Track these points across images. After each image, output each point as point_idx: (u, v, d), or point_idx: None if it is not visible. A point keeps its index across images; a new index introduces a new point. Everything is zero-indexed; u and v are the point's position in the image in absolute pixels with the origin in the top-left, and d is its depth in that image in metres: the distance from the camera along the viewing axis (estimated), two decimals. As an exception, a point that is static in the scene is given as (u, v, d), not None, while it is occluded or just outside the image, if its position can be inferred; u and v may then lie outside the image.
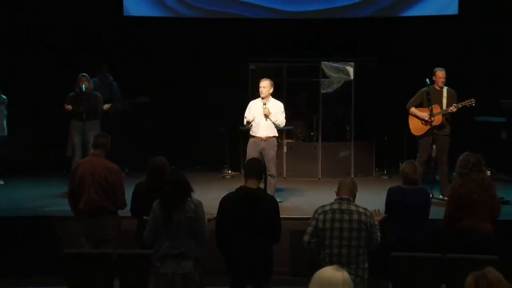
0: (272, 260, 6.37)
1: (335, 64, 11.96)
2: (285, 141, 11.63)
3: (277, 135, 9.44)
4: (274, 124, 9.28)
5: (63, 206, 8.02)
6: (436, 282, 6.56)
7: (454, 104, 9.45)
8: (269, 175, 9.20)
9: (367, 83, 11.82)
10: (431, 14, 12.19)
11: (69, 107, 10.07)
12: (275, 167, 9.31)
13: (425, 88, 9.59)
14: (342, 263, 5.68)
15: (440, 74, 9.58)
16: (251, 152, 9.20)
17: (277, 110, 9.30)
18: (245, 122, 9.40)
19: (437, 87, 9.59)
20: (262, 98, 9.29)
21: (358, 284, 5.78)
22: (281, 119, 9.32)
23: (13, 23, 11.94)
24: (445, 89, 9.61)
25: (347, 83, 11.86)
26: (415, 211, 6.89)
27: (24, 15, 11.93)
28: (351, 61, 11.79)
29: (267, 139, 9.26)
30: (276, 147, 9.45)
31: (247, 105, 9.50)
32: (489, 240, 6.73)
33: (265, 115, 9.17)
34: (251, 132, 9.36)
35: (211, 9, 12.37)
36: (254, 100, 9.45)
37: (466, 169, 6.86)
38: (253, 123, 9.27)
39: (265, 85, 9.28)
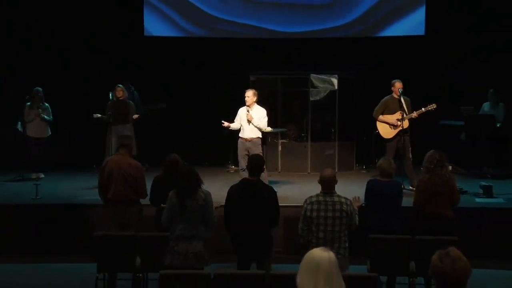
0: (272, 241, 6.39)
1: (322, 76, 11.91)
2: (280, 141, 11.60)
3: (260, 136, 9.34)
4: (256, 127, 9.23)
5: (93, 196, 8.02)
6: (406, 260, 6.56)
7: (416, 111, 9.41)
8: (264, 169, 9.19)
9: (349, 92, 11.78)
10: (401, 35, 12.17)
11: (97, 115, 10.23)
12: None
13: (386, 98, 9.60)
14: (326, 244, 5.71)
15: (397, 85, 9.49)
16: (240, 151, 9.28)
17: (260, 115, 9.26)
18: (225, 125, 9.34)
19: (395, 96, 9.51)
20: (248, 106, 9.25)
21: (340, 261, 5.74)
22: (262, 124, 9.27)
23: (53, 45, 11.96)
24: (402, 97, 9.52)
25: (332, 92, 11.82)
26: (390, 200, 6.88)
27: (65, 37, 11.98)
28: (335, 74, 11.75)
29: (251, 139, 9.22)
30: (260, 146, 9.36)
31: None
32: (451, 224, 6.75)
33: (248, 121, 9.19)
34: (239, 134, 9.34)
35: (217, 28, 12.37)
36: (242, 108, 9.37)
37: (432, 165, 6.86)
38: (241, 125, 9.24)
39: (249, 95, 9.26)
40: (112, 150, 10.10)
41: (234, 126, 9.36)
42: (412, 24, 12.16)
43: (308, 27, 12.29)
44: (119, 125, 10.31)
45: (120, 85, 10.47)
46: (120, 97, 10.42)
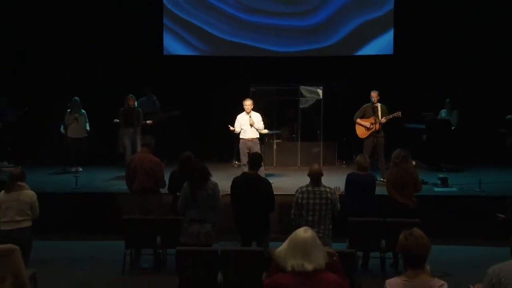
0: (269, 223, 6.39)
1: (309, 88, 11.87)
2: (275, 141, 11.55)
3: (258, 136, 9.32)
4: (257, 130, 9.22)
5: (122, 186, 8.00)
6: (378, 238, 6.60)
7: (385, 116, 9.40)
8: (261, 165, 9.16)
9: (332, 101, 11.73)
10: (373, 54, 12.14)
11: (116, 120, 10.25)
12: None
13: (365, 105, 9.58)
14: (314, 226, 5.72)
15: (374, 94, 9.48)
16: (242, 149, 9.19)
17: (257, 119, 9.24)
18: (236, 128, 9.27)
19: (374, 104, 9.48)
20: (247, 113, 9.21)
21: (325, 239, 5.81)
22: (260, 126, 9.26)
23: (89, 62, 11.94)
24: (379, 105, 9.51)
25: (318, 101, 11.76)
26: (365, 189, 6.90)
27: (99, 56, 11.96)
28: (320, 86, 11.70)
29: (252, 139, 9.19)
30: (259, 144, 9.34)
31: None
32: (414, 209, 6.78)
33: (250, 124, 9.15)
34: (240, 136, 9.27)
35: (223, 48, 12.33)
36: (240, 114, 9.29)
37: (398, 160, 6.88)
38: (241, 129, 9.19)
39: (249, 104, 9.22)
40: (126, 150, 10.20)
41: (236, 130, 9.33)
42: (382, 45, 12.13)
43: (298, 47, 12.26)
44: (130, 128, 10.28)
45: (131, 95, 10.37)
46: (131, 104, 10.36)
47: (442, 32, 11.78)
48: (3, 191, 6.15)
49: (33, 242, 6.23)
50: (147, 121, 10.58)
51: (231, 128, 9.30)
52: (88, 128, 10.77)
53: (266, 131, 9.65)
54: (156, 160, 7.23)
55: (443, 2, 11.66)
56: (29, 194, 6.17)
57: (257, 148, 9.10)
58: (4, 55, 12.09)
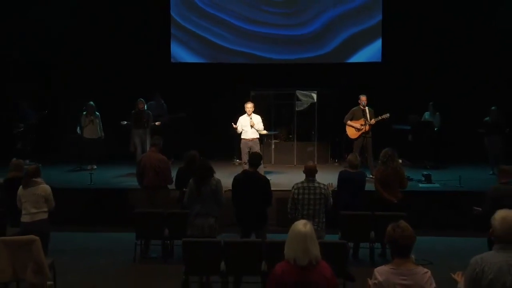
0: (267, 217, 6.35)
1: (304, 92, 11.83)
2: (273, 141, 11.53)
3: (258, 137, 9.28)
4: (257, 130, 9.18)
5: (133, 182, 8.00)
6: (368, 230, 6.63)
7: (374, 118, 9.40)
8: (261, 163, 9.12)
9: (325, 104, 11.67)
10: (363, 61, 12.11)
11: (123, 122, 10.25)
12: None
13: (354, 108, 9.56)
14: (309, 219, 5.70)
15: (363, 98, 9.46)
16: (243, 149, 9.12)
17: (258, 121, 9.20)
18: (237, 128, 9.23)
19: (361, 107, 9.48)
20: (248, 115, 9.17)
21: (319, 231, 5.78)
22: (260, 127, 9.22)
23: (103, 69, 11.93)
24: (367, 108, 9.49)
25: (312, 104, 11.72)
26: (356, 185, 6.89)
27: (112, 62, 11.95)
28: (315, 90, 11.66)
29: (253, 140, 9.14)
30: (258, 144, 9.29)
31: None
32: (400, 203, 6.76)
33: (251, 126, 9.12)
34: (242, 136, 9.22)
35: (226, 56, 12.33)
36: (242, 116, 9.24)
37: (385, 158, 6.89)
38: (242, 129, 9.15)
39: (250, 106, 9.19)
40: (137, 149, 10.17)
41: (238, 130, 9.30)
42: (371, 53, 12.11)
43: (294, 55, 12.23)
44: (140, 129, 10.26)
45: (141, 99, 10.36)
46: (141, 108, 10.34)
47: (426, 41, 11.78)
48: (21, 187, 6.16)
49: (51, 233, 6.24)
50: (156, 123, 10.56)
51: (234, 126, 9.26)
52: (101, 129, 10.76)
53: (265, 132, 9.61)
54: (163, 159, 7.22)
55: (427, 14, 11.64)
56: (44, 188, 6.18)
57: (257, 148, 9.07)
58: (25, 62, 12.11)
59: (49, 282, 5.32)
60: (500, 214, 3.23)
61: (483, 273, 3.16)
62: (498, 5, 11.61)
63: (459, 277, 3.45)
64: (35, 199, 6.08)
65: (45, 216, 6.15)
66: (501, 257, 3.17)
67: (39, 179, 6.24)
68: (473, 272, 3.19)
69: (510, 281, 3.11)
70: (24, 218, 6.08)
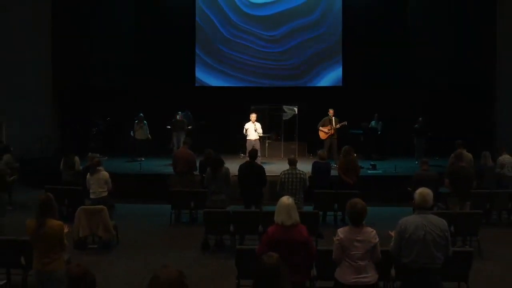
0: (262, 194, 6.30)
1: (289, 107, 11.65)
2: (267, 141, 11.39)
3: (258, 138, 9.27)
4: (258, 133, 9.18)
5: (170, 170, 7.91)
6: (333, 203, 6.60)
7: (338, 124, 9.40)
8: (258, 156, 9.06)
9: (303, 115, 11.45)
10: (327, 85, 12.02)
11: (168, 126, 10.30)
12: (259, 152, 9.07)
13: (324, 118, 9.54)
14: (292, 195, 5.62)
15: (331, 111, 9.49)
16: (248, 146, 8.96)
17: (259, 127, 9.21)
18: (244, 132, 9.24)
19: (330, 117, 9.49)
20: (252, 122, 9.18)
21: (299, 204, 5.70)
22: (260, 131, 9.22)
23: (146, 89, 11.85)
24: (333, 118, 9.49)
25: (294, 115, 11.51)
26: (324, 172, 6.86)
27: (151, 85, 11.83)
28: (296, 106, 11.49)
29: (255, 140, 9.14)
30: (259, 143, 9.26)
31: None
32: (355, 184, 6.74)
33: (254, 130, 9.11)
34: (247, 137, 9.20)
35: (234, 80, 12.26)
36: (247, 123, 9.24)
37: (345, 153, 6.87)
38: (247, 132, 9.15)
39: (254, 116, 9.23)
40: (175, 146, 10.16)
41: (245, 132, 9.25)
42: (335, 79, 12.05)
43: (282, 83, 12.17)
44: (179, 132, 10.28)
45: (180, 112, 10.51)
46: (179, 118, 10.41)
47: (372, 69, 11.60)
48: (89, 173, 6.28)
49: (114, 204, 6.27)
50: (188, 127, 10.56)
51: (244, 131, 9.27)
52: (148, 133, 10.66)
53: (262, 134, 9.58)
54: (191, 153, 7.22)
55: (375, 53, 11.57)
56: (104, 174, 6.28)
57: (258, 146, 9.04)
58: (90, 86, 11.98)
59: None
60: (419, 191, 3.34)
61: (406, 229, 3.23)
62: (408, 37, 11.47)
63: (393, 233, 3.46)
64: (99, 182, 6.19)
65: (105, 194, 6.22)
66: (418, 218, 3.25)
67: (101, 168, 6.33)
68: (400, 228, 3.28)
69: (423, 234, 3.18)
70: (92, 195, 6.20)
